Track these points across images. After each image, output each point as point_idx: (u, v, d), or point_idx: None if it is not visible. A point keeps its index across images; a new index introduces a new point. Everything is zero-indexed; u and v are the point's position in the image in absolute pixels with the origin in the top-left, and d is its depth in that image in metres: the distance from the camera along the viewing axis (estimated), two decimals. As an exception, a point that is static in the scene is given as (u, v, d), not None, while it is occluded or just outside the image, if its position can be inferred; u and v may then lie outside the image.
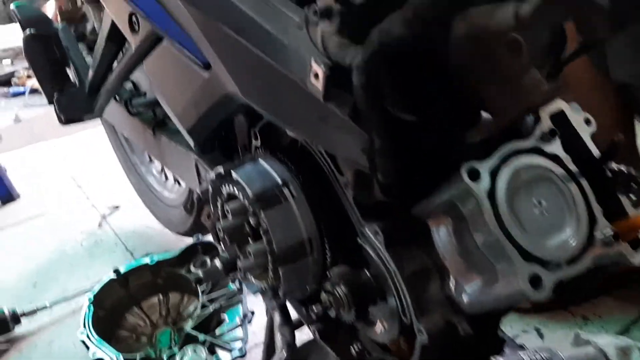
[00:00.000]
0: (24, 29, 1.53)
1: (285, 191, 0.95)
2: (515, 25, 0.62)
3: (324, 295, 0.95)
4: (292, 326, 1.21)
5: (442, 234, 0.83)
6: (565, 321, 1.81)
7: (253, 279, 1.04)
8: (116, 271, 1.89)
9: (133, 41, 1.18)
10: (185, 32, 0.99)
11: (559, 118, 0.81)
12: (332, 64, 0.72)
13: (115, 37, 1.28)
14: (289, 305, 1.19)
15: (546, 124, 0.80)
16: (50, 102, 1.51)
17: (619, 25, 0.65)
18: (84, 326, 1.69)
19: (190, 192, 1.95)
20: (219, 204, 1.04)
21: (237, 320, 1.66)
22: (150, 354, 1.66)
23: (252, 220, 0.99)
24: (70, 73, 1.58)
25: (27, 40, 1.51)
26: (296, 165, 0.98)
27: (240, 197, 0.96)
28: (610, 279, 1.73)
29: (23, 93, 4.57)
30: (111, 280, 1.88)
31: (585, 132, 0.82)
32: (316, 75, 0.72)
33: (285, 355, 1.17)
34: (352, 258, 0.96)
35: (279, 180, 0.96)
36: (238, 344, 1.62)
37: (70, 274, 2.27)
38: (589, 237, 0.76)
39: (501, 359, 0.94)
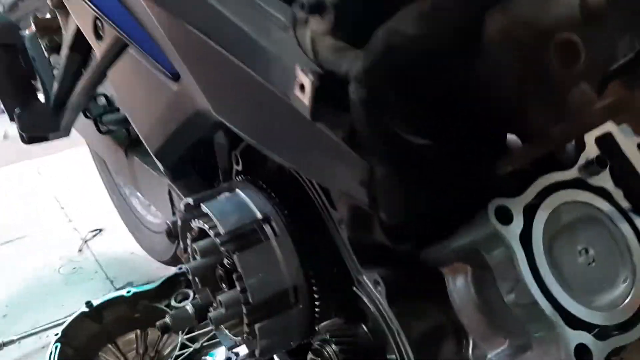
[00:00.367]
0: (-15, 36, 1.39)
1: (266, 228, 0.79)
2: (580, 19, 0.46)
3: (310, 356, 0.78)
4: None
5: (459, 286, 0.71)
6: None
7: (227, 332, 0.87)
8: (88, 304, 1.72)
9: (98, 49, 1.03)
10: (151, 36, 0.84)
11: (607, 144, 0.71)
12: (322, 72, 0.56)
13: (80, 46, 1.13)
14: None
15: (592, 151, 0.69)
16: (12, 118, 1.36)
17: None
18: (49, 368, 1.53)
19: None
20: (188, 241, 0.88)
21: (225, 363, 1.49)
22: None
23: (226, 263, 0.83)
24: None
25: (-13, 49, 1.36)
26: (282, 196, 0.82)
27: (211, 234, 0.79)
28: None
29: (13, 108, 4.47)
30: (82, 314, 1.72)
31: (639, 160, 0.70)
32: (302, 87, 0.56)
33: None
34: (348, 310, 0.82)
35: (259, 215, 0.80)
36: (219, 390, 1.47)
37: (44, 304, 2.13)
38: None
39: None
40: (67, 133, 1.34)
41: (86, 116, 1.39)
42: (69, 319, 1.72)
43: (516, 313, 0.63)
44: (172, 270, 1.84)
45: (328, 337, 0.79)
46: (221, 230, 0.78)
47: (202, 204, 0.81)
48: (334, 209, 0.76)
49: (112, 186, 2.29)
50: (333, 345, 0.79)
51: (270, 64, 0.63)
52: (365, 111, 0.56)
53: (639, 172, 0.70)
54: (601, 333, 0.61)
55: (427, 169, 0.62)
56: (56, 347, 1.63)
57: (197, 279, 0.93)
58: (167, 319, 0.97)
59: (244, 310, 0.79)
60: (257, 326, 0.78)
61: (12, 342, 1.86)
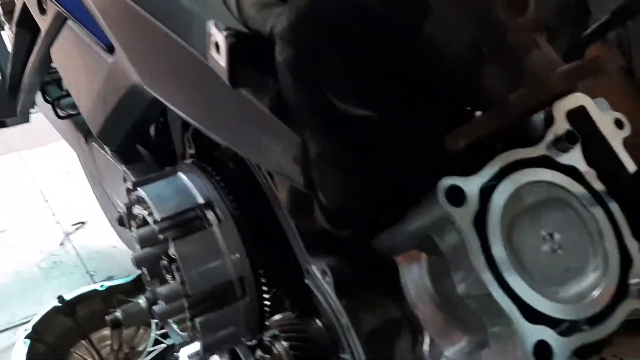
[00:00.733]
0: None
1: (209, 214, 0.72)
2: None
3: (258, 353, 0.72)
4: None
5: (414, 276, 0.63)
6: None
7: (175, 327, 0.80)
8: (60, 298, 1.67)
9: (42, 25, 0.96)
10: (84, 5, 0.77)
11: (580, 118, 0.62)
12: (237, 29, 0.49)
13: (27, 22, 1.06)
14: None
15: (562, 126, 0.61)
16: (-36, 104, 1.29)
17: None
18: (18, 365, 1.48)
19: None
20: (133, 230, 0.81)
21: (192, 361, 1.43)
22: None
23: (171, 252, 0.76)
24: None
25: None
26: (228, 180, 0.74)
27: (150, 220, 0.72)
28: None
29: (4, 102, 4.43)
30: (54, 309, 1.66)
31: (616, 138, 0.63)
32: (217, 47, 0.49)
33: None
34: (302, 304, 0.76)
35: (200, 200, 0.73)
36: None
37: (22, 298, 2.09)
38: (620, 284, 0.58)
39: None
40: (25, 119, 1.28)
41: (46, 100, 1.33)
42: (40, 314, 1.67)
43: (470, 305, 0.56)
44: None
45: (278, 332, 0.73)
46: (157, 216, 0.71)
47: (138, 188, 0.74)
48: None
49: (96, 178, 2.23)
50: (283, 342, 0.73)
51: (192, 24, 0.56)
52: (292, 75, 0.49)
53: (615, 150, 0.63)
54: (567, 328, 0.54)
55: (370, 145, 0.55)
56: (25, 343, 1.58)
57: (145, 271, 0.86)
58: (118, 314, 0.91)
59: (185, 304, 0.72)
60: (197, 320, 0.71)
61: (-14, 337, 1.82)
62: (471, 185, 0.55)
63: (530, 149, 0.60)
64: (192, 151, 0.89)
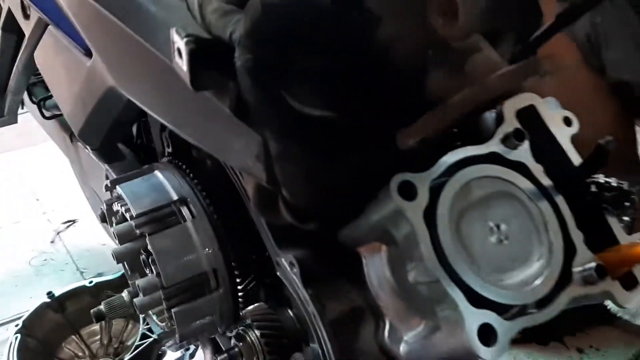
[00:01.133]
0: None
1: (184, 210, 0.75)
2: None
3: (233, 342, 0.75)
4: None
5: (375, 266, 0.66)
6: (558, 354, 1.59)
7: (154, 319, 0.84)
8: (50, 294, 1.69)
9: (26, 29, 0.99)
10: (62, 11, 0.80)
11: (529, 116, 0.65)
12: (197, 36, 0.52)
13: (13, 26, 1.09)
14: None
15: (511, 124, 0.63)
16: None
17: None
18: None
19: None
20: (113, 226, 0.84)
21: (178, 353, 1.46)
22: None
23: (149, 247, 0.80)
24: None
25: None
26: (201, 178, 0.78)
27: (127, 216, 0.76)
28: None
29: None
30: (44, 305, 1.69)
31: (564, 135, 0.66)
32: (179, 52, 0.52)
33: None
34: (275, 295, 0.79)
35: (174, 196, 0.76)
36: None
37: (13, 296, 2.09)
38: (564, 272, 0.60)
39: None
40: (13, 120, 1.31)
41: (32, 101, 1.36)
42: (30, 310, 1.69)
43: (422, 292, 0.59)
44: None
45: (250, 321, 0.76)
46: (133, 211, 0.74)
47: (116, 186, 0.77)
48: (249, 188, 0.73)
49: (83, 176, 2.25)
50: (255, 330, 0.76)
51: (158, 31, 0.59)
52: (250, 79, 0.52)
53: (562, 147, 0.66)
54: (510, 312, 0.57)
55: (329, 143, 0.59)
56: (16, 338, 1.60)
57: (125, 265, 0.90)
58: (102, 306, 0.95)
59: (162, 295, 0.76)
60: (174, 311, 0.75)
61: (-26, 334, 1.82)
62: (422, 181, 0.58)
63: (480, 146, 0.63)
64: (170, 150, 0.92)
